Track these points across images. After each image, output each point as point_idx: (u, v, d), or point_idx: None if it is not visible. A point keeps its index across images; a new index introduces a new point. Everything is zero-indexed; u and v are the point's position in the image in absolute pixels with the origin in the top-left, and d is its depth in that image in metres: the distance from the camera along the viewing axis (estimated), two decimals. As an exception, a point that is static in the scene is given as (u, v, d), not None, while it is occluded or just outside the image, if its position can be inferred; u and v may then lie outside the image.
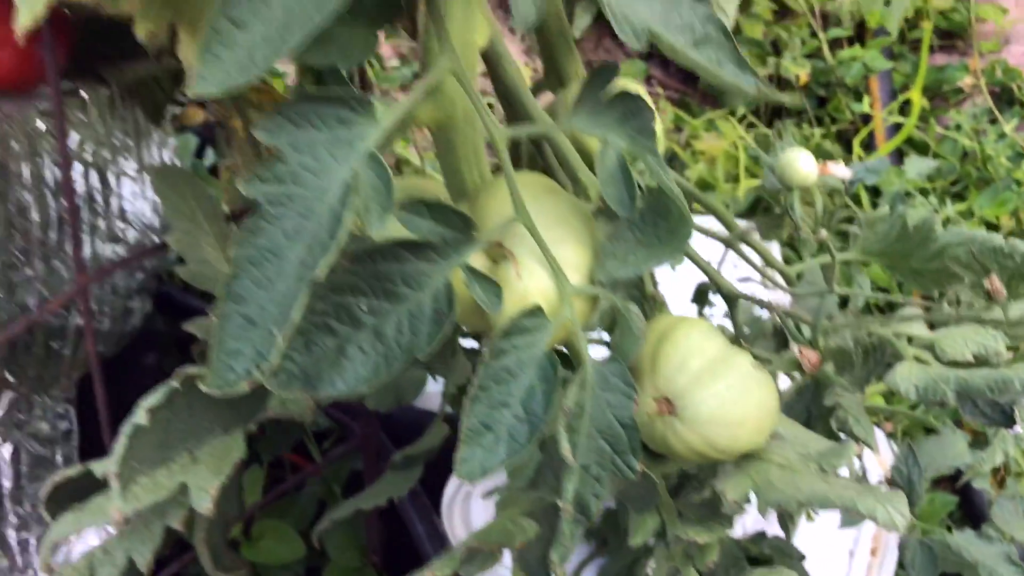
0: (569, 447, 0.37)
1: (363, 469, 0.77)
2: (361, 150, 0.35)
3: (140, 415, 0.39)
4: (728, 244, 0.54)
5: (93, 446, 0.60)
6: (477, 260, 0.40)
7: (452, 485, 0.81)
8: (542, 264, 0.39)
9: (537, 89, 0.58)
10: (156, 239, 0.61)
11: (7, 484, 0.54)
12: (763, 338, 0.53)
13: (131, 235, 0.58)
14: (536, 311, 0.38)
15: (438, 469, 0.66)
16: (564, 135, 0.40)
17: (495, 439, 0.37)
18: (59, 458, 0.59)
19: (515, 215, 0.39)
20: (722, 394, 0.42)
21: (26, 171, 0.49)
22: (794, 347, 0.45)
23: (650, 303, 0.46)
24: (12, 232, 0.49)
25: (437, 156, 0.47)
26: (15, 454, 0.53)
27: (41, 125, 0.50)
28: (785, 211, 0.49)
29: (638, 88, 0.50)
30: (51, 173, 0.51)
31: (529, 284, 0.39)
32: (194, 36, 0.46)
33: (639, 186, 0.38)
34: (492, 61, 0.46)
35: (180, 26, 0.46)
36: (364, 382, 0.38)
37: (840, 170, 0.49)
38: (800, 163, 0.49)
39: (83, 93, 0.53)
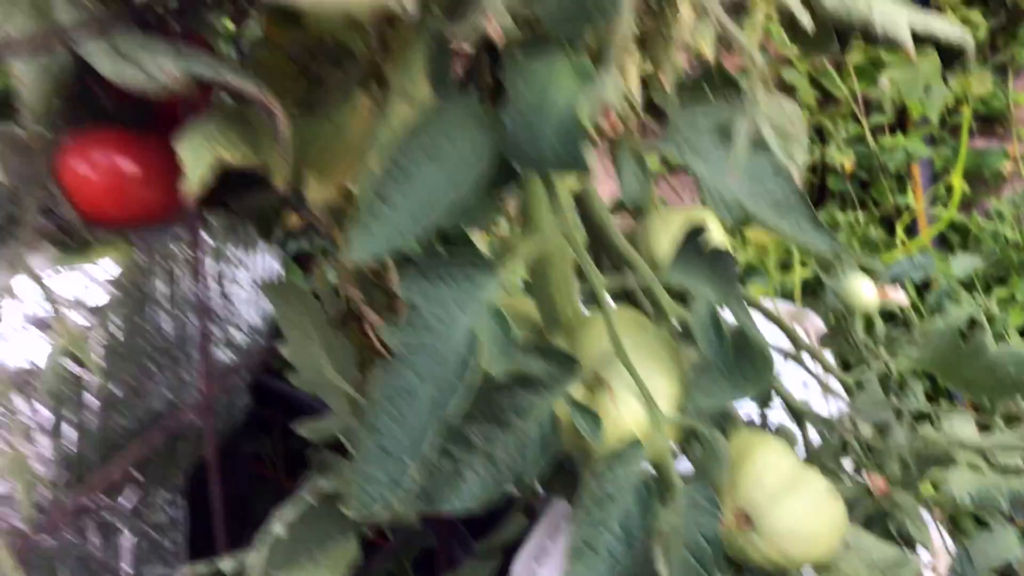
0: (665, 567, 0.41)
1: (435, 548, 0.81)
2: (483, 302, 0.40)
3: (280, 528, 0.44)
4: (791, 357, 0.59)
5: (200, 532, 0.65)
6: (575, 389, 0.44)
7: (520, 564, 0.85)
8: (636, 394, 0.44)
9: (613, 211, 0.63)
10: (261, 341, 0.67)
11: (129, 570, 0.59)
12: (829, 447, 0.57)
13: (242, 339, 0.63)
14: (633, 441, 0.42)
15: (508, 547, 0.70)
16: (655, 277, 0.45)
17: (596, 558, 0.41)
18: (169, 544, 0.64)
19: (613, 351, 0.43)
20: (797, 510, 0.46)
21: (162, 290, 0.54)
22: (864, 475, 0.50)
23: (727, 422, 0.50)
24: (147, 345, 0.54)
25: (532, 283, 0.52)
26: (137, 543, 0.59)
27: (173, 248, 0.56)
28: (848, 333, 0.54)
29: (716, 227, 0.55)
30: (180, 290, 0.56)
31: (624, 413, 0.44)
32: (320, 180, 0.52)
33: (725, 327, 0.43)
34: (583, 201, 0.52)
35: (308, 171, 0.51)
36: (476, 500, 0.43)
37: (899, 296, 0.53)
38: (862, 290, 0.53)
39: (209, 218, 0.59)
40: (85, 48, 0.41)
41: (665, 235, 0.54)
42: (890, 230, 1.27)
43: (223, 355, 0.61)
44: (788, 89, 1.34)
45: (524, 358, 0.42)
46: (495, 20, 0.34)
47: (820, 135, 1.37)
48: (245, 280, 0.64)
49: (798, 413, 0.53)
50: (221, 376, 0.60)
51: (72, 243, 0.51)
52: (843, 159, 1.28)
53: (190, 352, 0.57)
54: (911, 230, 1.27)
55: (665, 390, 0.45)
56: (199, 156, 0.42)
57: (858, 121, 1.35)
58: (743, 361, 0.43)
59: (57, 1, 0.42)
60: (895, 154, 1.29)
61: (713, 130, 0.39)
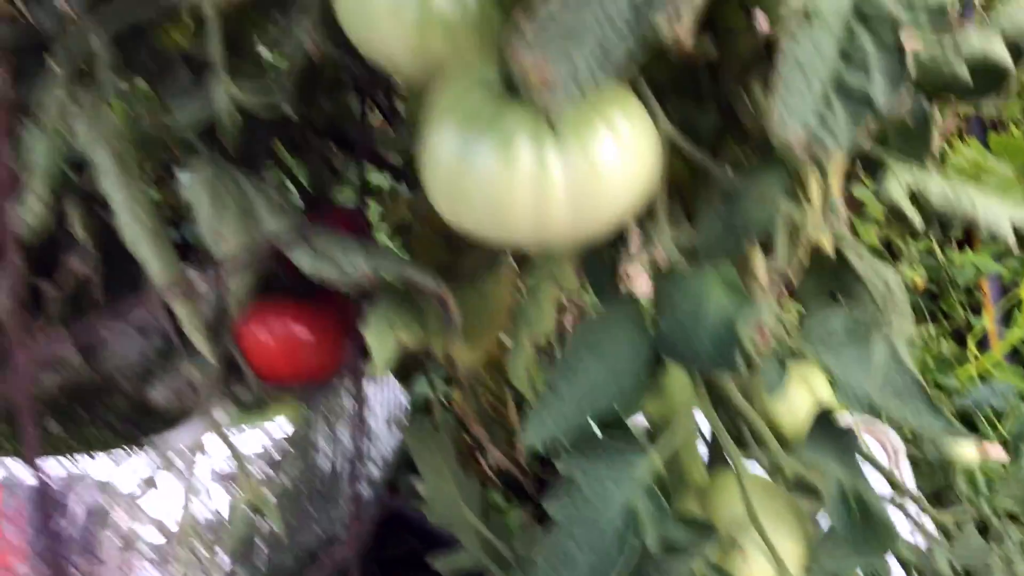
0: None
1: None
2: (637, 480, 0.45)
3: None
4: (894, 503, 0.63)
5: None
6: (710, 550, 0.49)
7: None
8: (766, 556, 0.48)
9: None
10: (389, 472, 0.72)
11: None
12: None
13: (377, 474, 0.69)
14: (768, 603, 0.47)
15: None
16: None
17: None
18: (305, 663, 0.69)
19: (743, 513, 0.48)
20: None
21: (322, 438, 0.60)
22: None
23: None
24: (308, 489, 0.60)
25: (657, 439, 0.57)
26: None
27: (331, 399, 0.62)
28: (950, 485, 0.58)
29: (823, 384, 0.60)
30: (335, 436, 0.62)
31: (756, 574, 0.48)
32: (468, 344, 0.58)
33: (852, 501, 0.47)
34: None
35: (456, 336, 0.57)
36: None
37: (997, 452, 0.58)
38: (963, 449, 0.57)
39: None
40: (290, 251, 0.48)
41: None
42: (961, 343, 1.30)
43: (364, 490, 0.67)
44: (856, 205, 1.39)
45: (676, 532, 0.47)
46: (662, 251, 0.40)
47: (888, 249, 1.42)
48: (380, 416, 0.70)
49: (907, 564, 0.57)
50: (369, 514, 0.66)
51: (248, 401, 0.57)
52: (914, 275, 1.32)
53: (340, 490, 0.63)
54: (983, 344, 1.30)
55: (792, 551, 0.49)
56: (383, 341, 0.48)
57: (927, 236, 1.39)
58: (866, 527, 0.47)
59: (263, 208, 0.49)
60: (964, 270, 1.33)
61: (844, 331, 0.44)
